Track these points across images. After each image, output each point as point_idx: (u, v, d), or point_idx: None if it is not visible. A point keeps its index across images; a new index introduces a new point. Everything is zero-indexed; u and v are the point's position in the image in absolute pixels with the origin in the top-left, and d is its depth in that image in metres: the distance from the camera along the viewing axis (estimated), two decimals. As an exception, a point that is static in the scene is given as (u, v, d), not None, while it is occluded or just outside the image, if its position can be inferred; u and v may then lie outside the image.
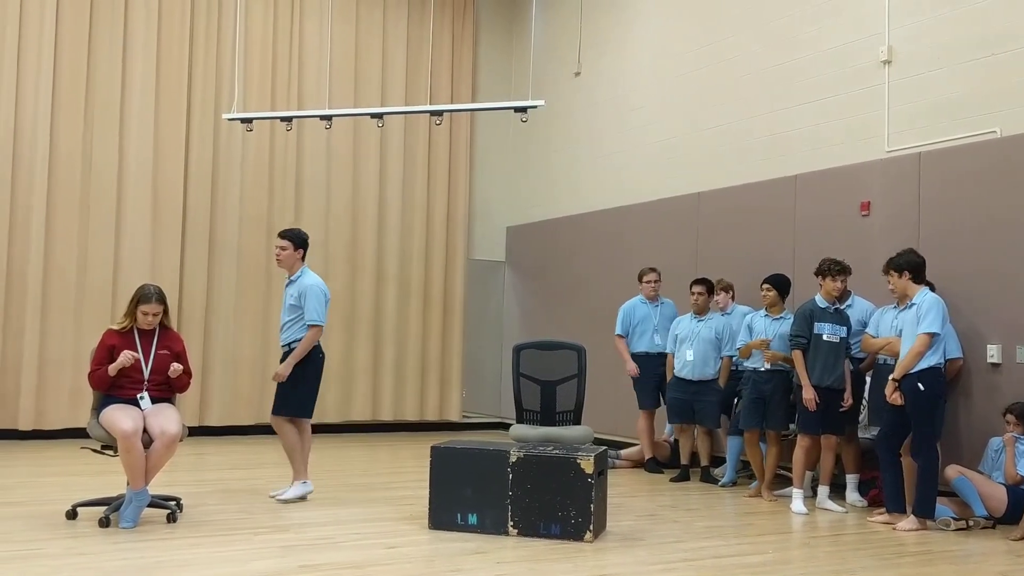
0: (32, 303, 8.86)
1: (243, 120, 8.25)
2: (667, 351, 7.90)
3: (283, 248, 6.27)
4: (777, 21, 8.08)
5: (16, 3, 8.90)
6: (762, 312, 6.89)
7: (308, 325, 6.13)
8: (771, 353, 6.64)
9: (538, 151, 11.08)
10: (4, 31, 8.86)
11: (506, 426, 10.87)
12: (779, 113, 8.00)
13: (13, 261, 8.84)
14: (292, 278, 6.28)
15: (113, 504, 5.24)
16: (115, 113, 9.31)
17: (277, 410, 6.17)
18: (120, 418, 5.17)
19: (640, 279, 8.26)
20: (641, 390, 8.09)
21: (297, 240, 6.28)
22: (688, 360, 7.50)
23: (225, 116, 8.52)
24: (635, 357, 8.12)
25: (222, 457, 8.28)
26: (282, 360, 6.19)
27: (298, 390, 6.15)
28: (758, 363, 6.75)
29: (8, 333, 8.81)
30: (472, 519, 5.15)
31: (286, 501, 6.03)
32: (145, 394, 5.40)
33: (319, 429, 10.16)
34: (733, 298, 7.75)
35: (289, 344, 6.16)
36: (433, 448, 5.30)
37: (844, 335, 6.35)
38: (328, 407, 10.30)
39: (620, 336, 8.24)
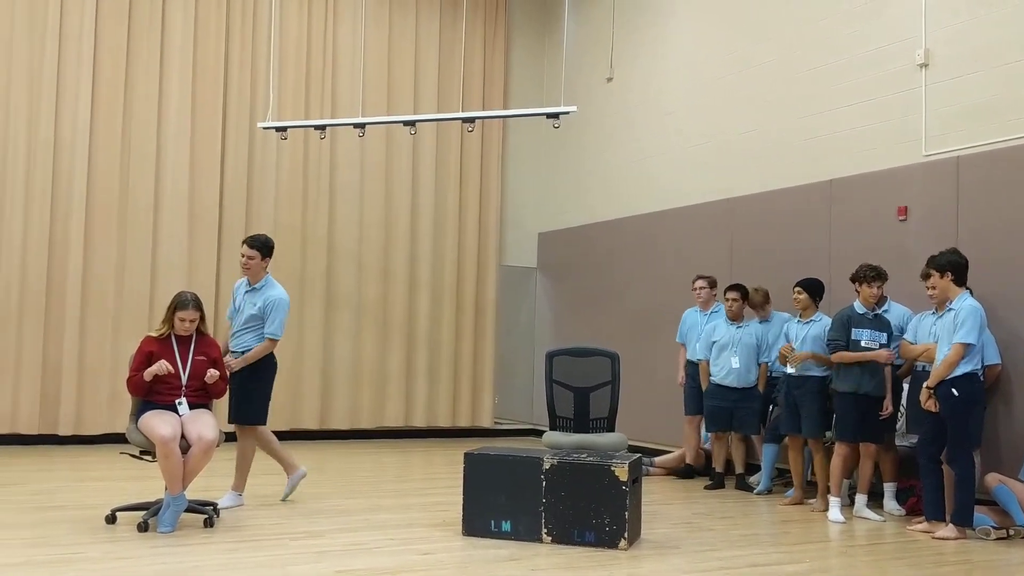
0: (71, 311, 9.00)
1: (277, 129, 8.32)
2: (697, 357, 7.85)
3: (251, 257, 6.16)
4: (812, 24, 8.01)
5: (55, 18, 9.05)
6: (797, 317, 6.84)
7: (268, 337, 6.10)
8: (796, 355, 6.60)
9: (570, 157, 11.07)
10: (44, 45, 9.01)
11: (538, 432, 10.86)
12: (815, 117, 7.93)
13: (53, 270, 8.98)
14: (256, 286, 6.21)
15: (151, 509, 5.30)
16: (152, 124, 9.44)
17: (238, 419, 6.10)
18: (158, 424, 5.23)
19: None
20: (687, 396, 8.05)
21: (265, 249, 6.20)
22: (734, 367, 7.43)
23: (260, 125, 8.61)
24: (688, 365, 8.09)
25: (256, 463, 8.32)
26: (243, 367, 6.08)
27: (256, 398, 6.12)
28: (790, 368, 6.71)
29: (49, 340, 8.95)
30: (506, 526, 5.15)
31: (227, 508, 5.91)
32: (183, 400, 5.46)
33: (355, 435, 10.30)
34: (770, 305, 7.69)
35: (242, 352, 6.10)
36: (466, 455, 5.31)
37: (884, 341, 6.28)
38: (362, 413, 10.37)
39: (680, 344, 8.21)
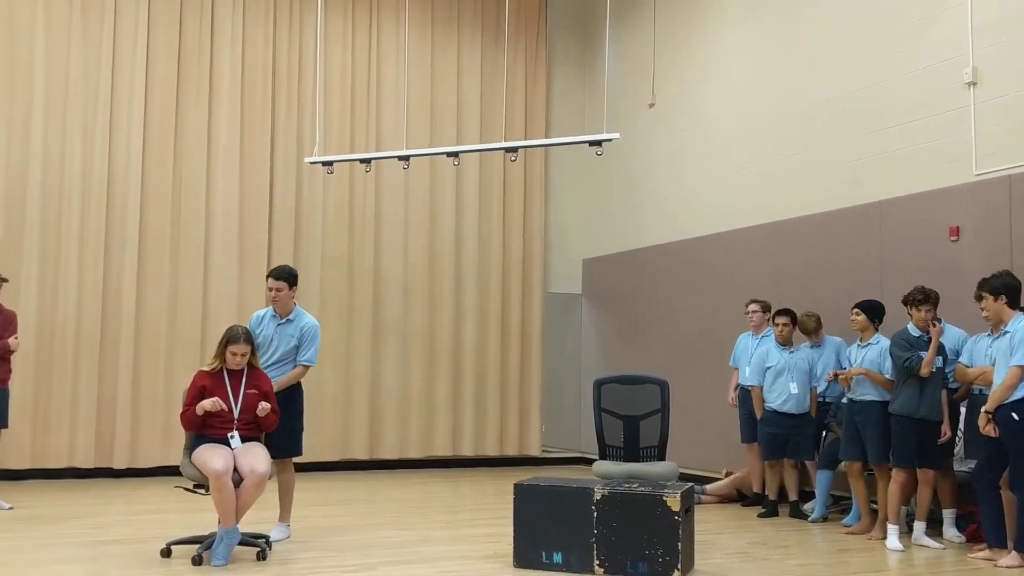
0: (125, 347, 9.17)
1: (324, 163, 8.43)
2: (749, 383, 7.76)
3: (279, 289, 6.08)
4: (858, 44, 7.95)
5: (108, 60, 9.29)
6: (856, 342, 6.74)
7: (304, 364, 6.13)
8: (849, 371, 6.51)
9: (613, 182, 11.07)
10: (97, 86, 9.25)
11: (587, 461, 10.80)
12: (862, 138, 7.85)
13: (108, 305, 9.16)
14: (289, 318, 6.15)
15: (205, 542, 5.35)
16: (202, 161, 9.63)
17: (279, 452, 5.91)
18: (211, 458, 5.29)
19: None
20: (742, 423, 7.96)
21: (291, 279, 6.16)
22: (793, 393, 7.32)
23: (307, 160, 8.73)
24: (739, 389, 8.03)
25: (307, 494, 8.39)
26: (282, 399, 5.97)
27: (295, 430, 6.12)
28: (851, 393, 6.61)
29: (104, 374, 9.11)
30: (557, 558, 5.11)
31: (278, 541, 5.92)
32: (235, 433, 5.52)
33: (405, 465, 10.33)
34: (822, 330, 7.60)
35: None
36: (516, 486, 5.29)
37: (940, 364, 6.15)
38: (411, 442, 10.40)
39: (734, 367, 8.16)
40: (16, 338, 7.26)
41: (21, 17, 8.99)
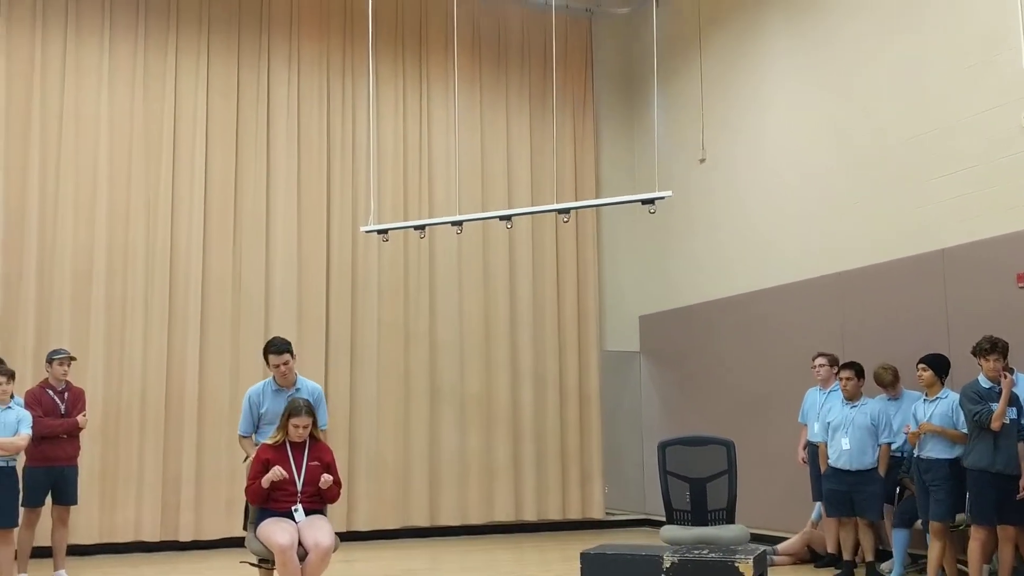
0: (189, 419, 9.28)
1: (379, 231, 8.54)
2: (815, 439, 7.59)
3: (287, 363, 5.96)
4: (912, 92, 7.87)
5: (169, 137, 9.58)
6: (923, 396, 6.56)
7: (323, 430, 5.91)
8: (920, 426, 6.33)
9: (667, 239, 11.03)
10: (159, 164, 9.53)
11: (652, 523, 10.59)
12: (920, 185, 7.72)
13: (171, 380, 9.30)
14: (296, 387, 6.02)
15: (272, 618, 5.32)
16: (261, 233, 9.82)
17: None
18: (276, 532, 5.29)
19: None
20: (812, 480, 7.77)
21: (292, 351, 6.05)
22: (844, 449, 7.12)
23: (362, 229, 8.86)
24: (808, 446, 7.86)
25: (371, 563, 8.35)
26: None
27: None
28: (919, 450, 6.42)
29: (168, 449, 9.22)
30: (628, 628, 4.97)
31: None
32: (299, 506, 5.52)
33: (466, 531, 10.23)
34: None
35: None
36: (583, 555, 5.18)
37: (1013, 416, 5.94)
38: (471, 508, 10.30)
39: (803, 424, 8.00)
40: (85, 416, 7.40)
41: (87, 104, 9.33)
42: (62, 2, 9.32)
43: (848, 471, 7.10)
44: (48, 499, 7.26)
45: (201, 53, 9.77)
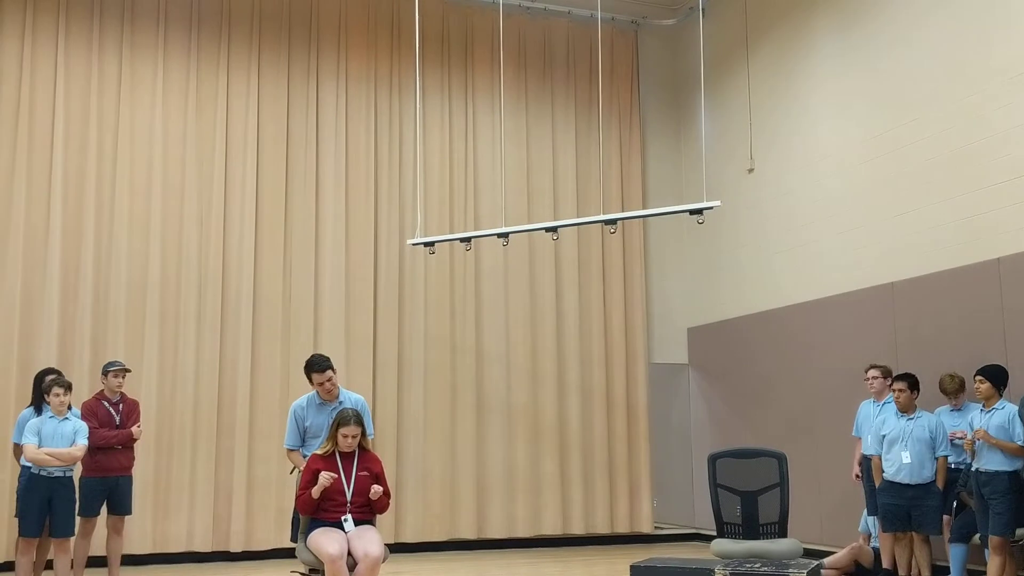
0: (240, 430, 9.39)
1: (426, 244, 8.59)
2: (869, 452, 7.45)
3: (332, 379, 6.05)
4: (961, 99, 7.73)
5: (221, 152, 9.74)
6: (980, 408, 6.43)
7: (371, 438, 5.95)
8: (975, 432, 6.19)
9: (715, 250, 10.94)
10: (212, 179, 9.68)
11: (702, 537, 10.46)
12: (974, 194, 7.57)
13: (223, 391, 9.43)
14: (340, 400, 6.10)
15: (322, 628, 5.34)
16: (310, 247, 9.93)
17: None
18: (326, 542, 5.33)
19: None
20: (866, 494, 7.63)
21: (332, 366, 6.11)
22: (904, 463, 6.96)
23: (409, 242, 8.91)
24: (863, 459, 7.71)
25: None
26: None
27: None
28: (977, 463, 6.26)
29: (220, 459, 9.33)
30: (679, 642, 4.92)
31: None
32: (349, 516, 5.55)
33: (513, 544, 10.20)
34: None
35: None
36: (633, 567, 5.14)
37: (1075, 429, 5.79)
38: (518, 521, 10.28)
39: (856, 437, 7.86)
40: (139, 426, 7.52)
41: (141, 121, 9.53)
42: (118, 22, 9.55)
43: (907, 485, 6.95)
44: (103, 509, 7.38)
45: (252, 70, 9.93)
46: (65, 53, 9.31)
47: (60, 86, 9.25)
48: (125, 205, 9.36)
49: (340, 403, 6.06)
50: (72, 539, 6.96)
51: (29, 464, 6.72)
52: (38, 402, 7.02)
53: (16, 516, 6.92)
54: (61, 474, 6.73)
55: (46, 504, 6.68)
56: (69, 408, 6.92)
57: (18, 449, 7.00)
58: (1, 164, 8.98)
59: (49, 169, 9.12)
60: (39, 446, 6.66)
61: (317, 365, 6.07)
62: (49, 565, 7.05)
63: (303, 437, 6.16)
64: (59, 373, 7.22)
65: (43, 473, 6.68)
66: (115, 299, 9.18)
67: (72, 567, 6.95)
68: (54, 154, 9.15)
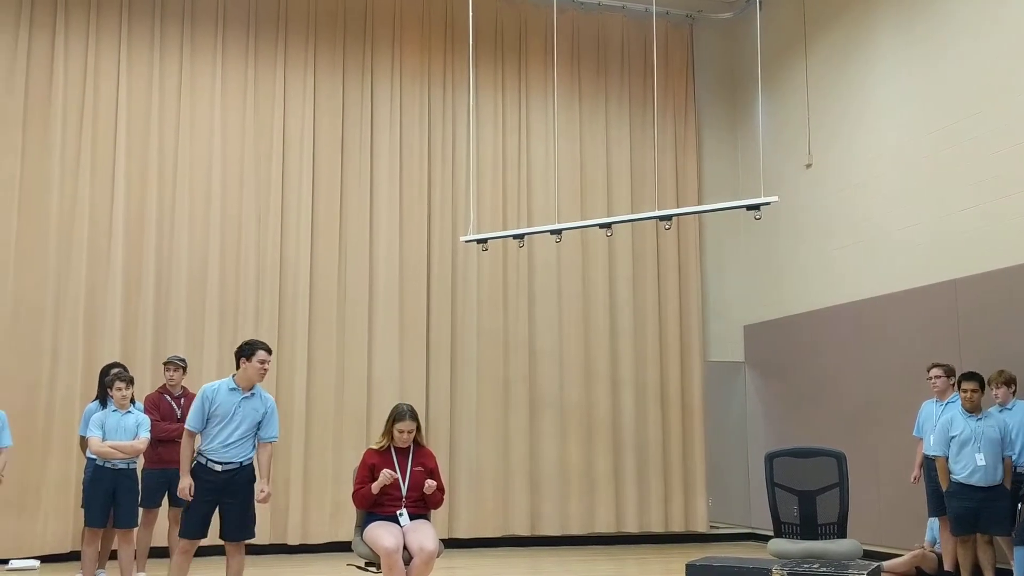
0: (297, 425, 9.51)
1: (479, 241, 8.60)
2: (933, 453, 7.27)
3: (268, 361, 5.85)
4: (1021, 93, 7.52)
5: (279, 149, 9.86)
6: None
7: (273, 441, 5.84)
8: None
9: (772, 246, 10.78)
10: (269, 176, 9.82)
11: (758, 537, 10.34)
12: (1042, 187, 7.35)
13: (281, 384, 9.55)
14: (254, 392, 5.82)
15: (377, 621, 5.39)
16: (364, 244, 10.01)
17: (252, 533, 5.81)
18: (382, 536, 5.38)
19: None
20: (928, 496, 7.46)
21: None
22: (980, 464, 6.78)
23: (462, 239, 8.94)
24: (925, 460, 7.54)
25: (473, 571, 8.39)
26: (238, 478, 5.71)
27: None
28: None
29: (277, 452, 9.41)
30: (736, 642, 4.86)
31: None
32: (404, 511, 5.59)
33: (566, 541, 10.18)
34: (1015, 393, 7.04)
35: (241, 462, 5.71)
36: (688, 566, 5.09)
37: None
38: (572, 518, 10.26)
39: (918, 438, 7.70)
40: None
41: (201, 121, 9.69)
42: (178, 25, 9.72)
43: (980, 487, 6.78)
44: (165, 500, 7.53)
45: (308, 68, 10.05)
46: (128, 54, 9.50)
47: (123, 86, 9.44)
48: (186, 203, 9.52)
49: (253, 394, 5.79)
50: (135, 530, 7.11)
51: (94, 456, 6.88)
52: (103, 396, 7.18)
53: (82, 507, 7.10)
54: (125, 466, 6.87)
55: (110, 495, 6.83)
56: (132, 402, 7.07)
57: (84, 442, 7.18)
58: (67, 163, 9.21)
59: (112, 168, 9.32)
60: (103, 439, 6.81)
61: (265, 347, 5.84)
62: (113, 555, 7.21)
63: (203, 426, 5.76)
64: (123, 367, 7.39)
65: (107, 465, 6.83)
66: (176, 295, 9.35)
67: (135, 557, 7.10)
68: (117, 153, 9.35)
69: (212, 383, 5.87)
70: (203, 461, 5.66)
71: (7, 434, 6.51)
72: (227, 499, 5.65)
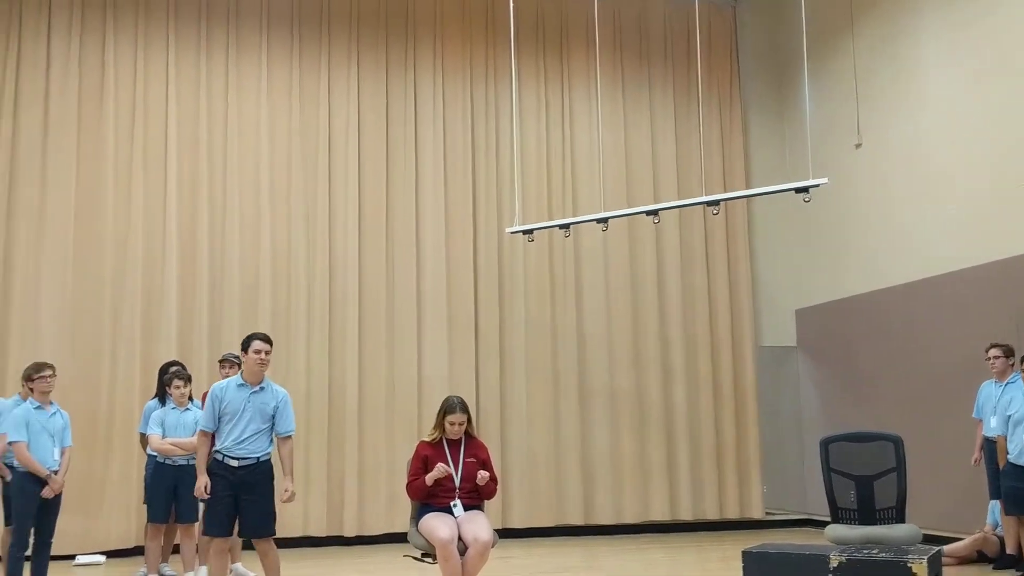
0: (350, 418, 9.62)
1: (524, 232, 8.61)
2: (993, 434, 7.14)
3: (269, 352, 5.80)
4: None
5: (324, 149, 9.96)
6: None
7: (291, 435, 5.78)
8: None
9: (823, 228, 10.63)
10: (316, 176, 9.92)
11: (814, 523, 10.22)
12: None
13: (334, 381, 9.67)
14: (263, 385, 5.75)
15: (435, 611, 5.44)
16: (411, 240, 10.07)
17: (272, 529, 5.72)
18: (437, 526, 5.42)
19: None
20: (989, 478, 7.34)
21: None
22: None
23: (508, 230, 8.95)
24: (985, 442, 7.43)
25: (528, 560, 8.42)
26: (256, 473, 5.66)
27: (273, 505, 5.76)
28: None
29: (332, 447, 9.59)
30: (794, 629, 4.82)
31: None
32: (458, 502, 5.63)
33: (621, 530, 10.17)
34: None
35: (258, 458, 5.66)
36: (745, 553, 5.06)
37: None
38: (626, 507, 10.25)
39: (977, 420, 7.59)
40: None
41: (247, 120, 9.82)
42: (223, 27, 9.86)
43: None
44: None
45: (351, 66, 10.12)
46: (175, 57, 9.66)
47: (172, 89, 9.60)
48: (236, 204, 9.66)
49: (262, 388, 5.75)
50: (197, 524, 7.25)
51: (155, 453, 7.03)
52: (162, 393, 7.33)
53: (144, 503, 7.26)
54: (185, 462, 7.00)
55: (172, 491, 6.98)
56: (190, 399, 7.20)
57: (144, 439, 7.34)
58: (120, 166, 9.39)
59: (164, 170, 9.49)
60: (163, 436, 6.96)
61: (263, 336, 5.83)
62: (176, 549, 7.37)
63: (215, 424, 5.72)
64: (181, 365, 7.52)
65: (168, 462, 6.98)
66: (229, 294, 9.49)
67: (197, 551, 7.24)
68: (168, 155, 9.51)
69: (221, 381, 5.87)
70: (220, 458, 5.64)
71: (68, 434, 6.67)
72: (245, 495, 5.61)
